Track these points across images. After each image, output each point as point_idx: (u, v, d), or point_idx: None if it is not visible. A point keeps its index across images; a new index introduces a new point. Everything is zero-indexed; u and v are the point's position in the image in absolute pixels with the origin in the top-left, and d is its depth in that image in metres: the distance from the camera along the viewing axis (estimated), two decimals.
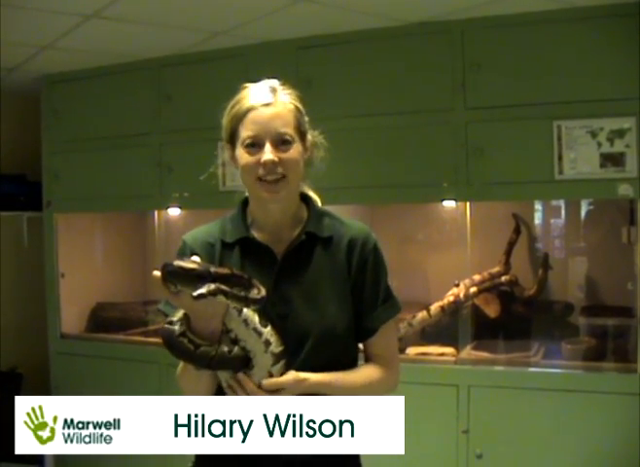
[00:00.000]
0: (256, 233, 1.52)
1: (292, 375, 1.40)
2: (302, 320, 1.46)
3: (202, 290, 1.27)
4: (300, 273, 1.49)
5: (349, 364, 1.52)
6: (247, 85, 1.51)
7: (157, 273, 1.33)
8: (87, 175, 3.65)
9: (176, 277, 1.31)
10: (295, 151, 1.47)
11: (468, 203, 2.96)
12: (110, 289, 3.94)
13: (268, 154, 1.44)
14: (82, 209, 3.78)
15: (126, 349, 3.57)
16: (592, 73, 2.64)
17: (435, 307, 3.02)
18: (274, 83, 1.51)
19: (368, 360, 1.55)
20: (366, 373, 1.53)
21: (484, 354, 2.91)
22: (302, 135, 1.51)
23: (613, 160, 2.62)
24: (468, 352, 2.96)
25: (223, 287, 1.30)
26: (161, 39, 3.09)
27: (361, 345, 1.56)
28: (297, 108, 1.50)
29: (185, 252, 1.52)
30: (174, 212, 3.61)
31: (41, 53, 3.25)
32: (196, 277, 1.30)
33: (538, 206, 3.25)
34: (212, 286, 1.28)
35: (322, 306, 1.47)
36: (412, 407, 3.01)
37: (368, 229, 1.57)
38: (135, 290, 4.04)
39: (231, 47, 3.19)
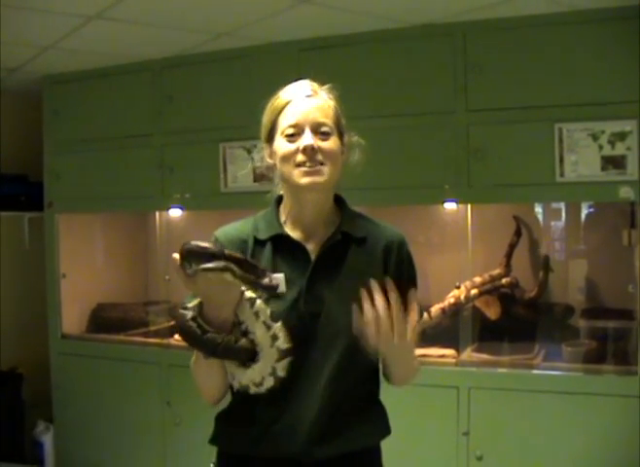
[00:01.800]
0: (289, 231, 1.51)
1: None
2: (335, 319, 1.45)
3: (211, 264, 1.29)
4: (333, 273, 1.48)
5: (377, 365, 1.52)
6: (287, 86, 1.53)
7: (176, 255, 1.33)
8: (88, 176, 3.65)
9: (192, 255, 1.33)
10: (334, 143, 1.47)
11: (469, 205, 2.96)
12: (111, 290, 3.94)
13: (309, 138, 1.43)
14: (83, 210, 3.77)
15: (127, 350, 3.57)
16: (594, 76, 2.64)
17: (435, 309, 3.01)
18: (314, 83, 1.53)
19: None
20: None
21: (485, 356, 2.91)
22: (341, 133, 1.51)
23: (614, 162, 2.62)
24: (468, 354, 2.96)
25: (232, 266, 1.31)
26: (163, 40, 3.10)
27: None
28: (336, 106, 1.52)
29: None
30: (175, 213, 3.61)
31: (43, 54, 3.25)
32: (210, 256, 1.32)
33: (539, 209, 3.25)
34: (222, 263, 1.30)
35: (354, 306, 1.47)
36: (413, 408, 2.99)
37: (401, 232, 1.57)
38: (136, 291, 4.04)
39: (233, 48, 3.19)
